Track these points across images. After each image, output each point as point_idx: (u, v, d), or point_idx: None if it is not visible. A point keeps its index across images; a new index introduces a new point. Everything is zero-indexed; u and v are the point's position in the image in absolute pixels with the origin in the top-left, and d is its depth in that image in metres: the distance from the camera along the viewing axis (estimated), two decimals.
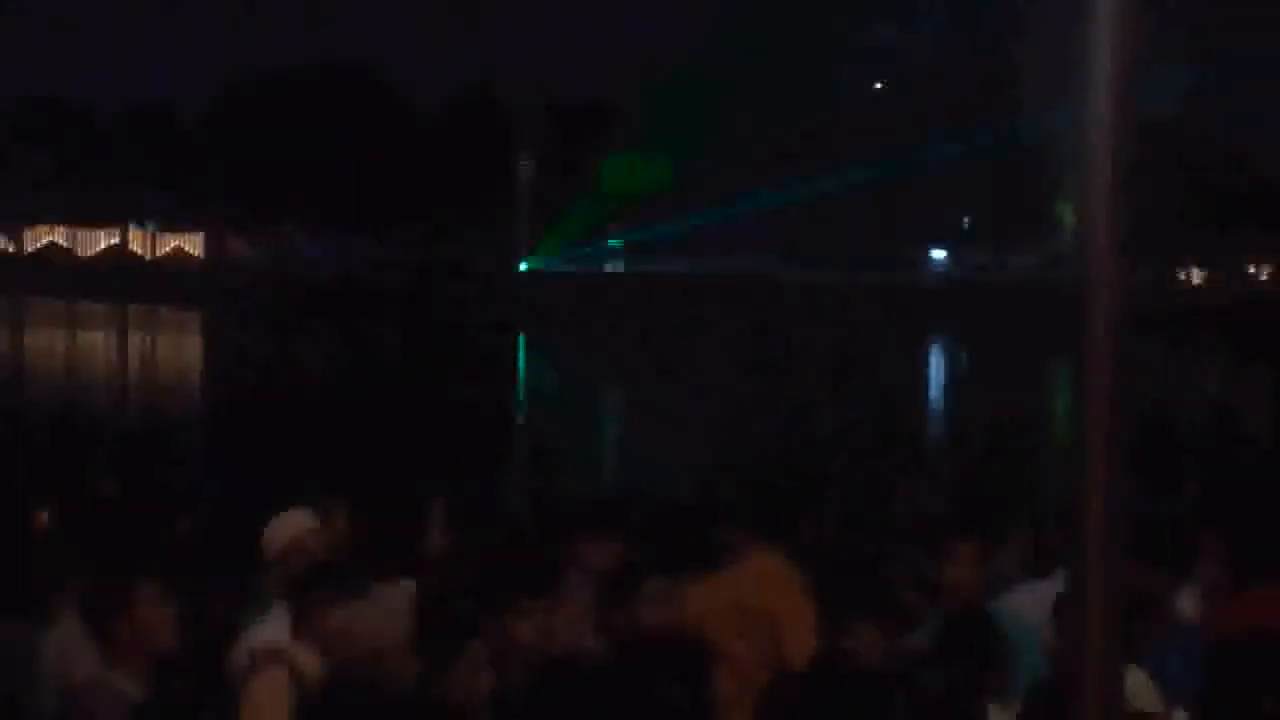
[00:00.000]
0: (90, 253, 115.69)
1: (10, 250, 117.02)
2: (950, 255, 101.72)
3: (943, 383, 65.72)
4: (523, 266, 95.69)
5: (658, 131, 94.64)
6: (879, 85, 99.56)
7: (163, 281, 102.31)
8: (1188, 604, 7.67)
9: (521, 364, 68.29)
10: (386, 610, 7.44)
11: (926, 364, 69.90)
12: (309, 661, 6.85)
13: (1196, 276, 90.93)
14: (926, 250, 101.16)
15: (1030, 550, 8.84)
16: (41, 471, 10.61)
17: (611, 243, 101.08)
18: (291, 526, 8.31)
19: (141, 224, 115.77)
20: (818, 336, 63.30)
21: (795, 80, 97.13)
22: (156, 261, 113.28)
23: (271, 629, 7.05)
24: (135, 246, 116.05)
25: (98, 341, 76.66)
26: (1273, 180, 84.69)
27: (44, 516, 9.62)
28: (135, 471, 17.78)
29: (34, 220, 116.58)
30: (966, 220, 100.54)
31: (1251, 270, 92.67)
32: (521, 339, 73.55)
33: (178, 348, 75.41)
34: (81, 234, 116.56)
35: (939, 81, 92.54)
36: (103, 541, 8.91)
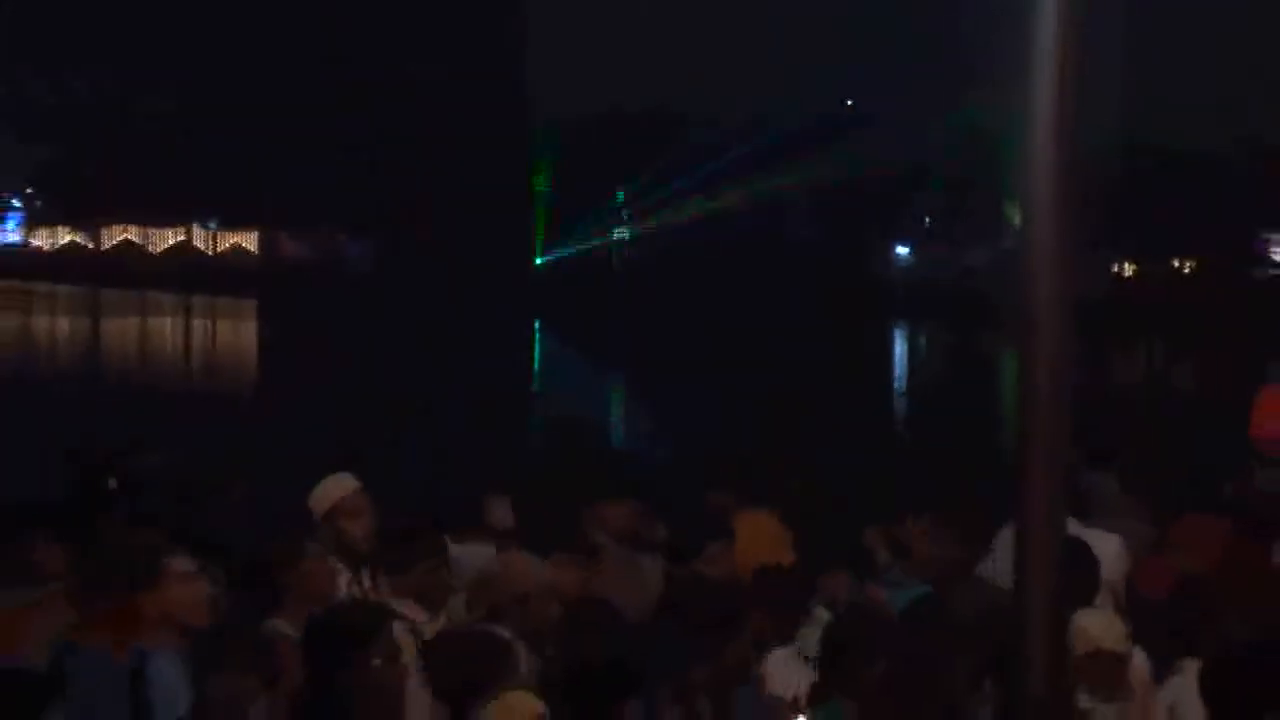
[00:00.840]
0: (159, 249, 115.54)
1: (89, 246, 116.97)
2: (914, 251, 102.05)
3: (904, 359, 65.99)
4: (537, 261, 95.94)
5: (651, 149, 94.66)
6: (849, 103, 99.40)
7: (222, 274, 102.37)
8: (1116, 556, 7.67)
9: (537, 343, 68.31)
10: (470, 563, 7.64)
11: (891, 343, 69.95)
12: (415, 613, 6.92)
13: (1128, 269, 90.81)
14: (893, 246, 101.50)
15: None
16: (112, 440, 10.50)
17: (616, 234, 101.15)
18: (336, 488, 8.17)
19: (205, 223, 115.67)
20: (794, 325, 63.21)
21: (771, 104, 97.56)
22: (217, 257, 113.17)
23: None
24: (199, 243, 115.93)
25: (165, 326, 76.57)
26: (1192, 186, 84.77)
27: (112, 481, 9.61)
28: (197, 439, 17.73)
29: (110, 220, 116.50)
30: (927, 219, 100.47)
31: (1175, 264, 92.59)
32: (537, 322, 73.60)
33: (235, 332, 75.31)
34: (152, 232, 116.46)
35: (904, 102, 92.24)
36: (158, 507, 8.88)
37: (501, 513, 8.37)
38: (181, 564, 6.60)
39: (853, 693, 5.79)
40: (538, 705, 5.17)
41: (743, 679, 6.30)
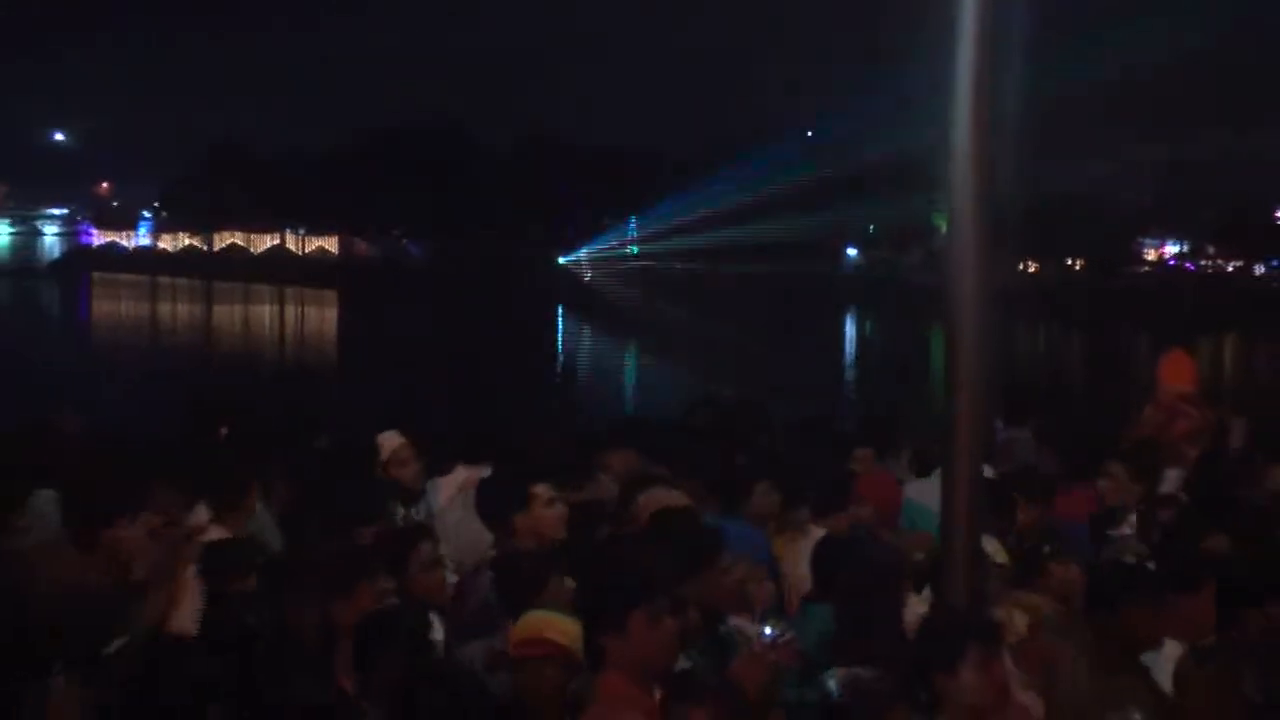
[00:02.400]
0: (259, 250, 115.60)
1: (203, 248, 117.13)
2: (860, 252, 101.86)
3: (854, 340, 65.98)
4: (561, 260, 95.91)
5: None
6: (810, 135, 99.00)
7: (309, 270, 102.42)
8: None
9: (560, 322, 68.33)
10: None
11: (844, 327, 69.86)
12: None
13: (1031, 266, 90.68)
14: (844, 248, 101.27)
15: (914, 457, 8.78)
16: (224, 398, 10.45)
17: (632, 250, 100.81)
18: (389, 443, 8.15)
19: (296, 230, 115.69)
20: (769, 308, 63.12)
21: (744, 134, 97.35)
22: (305, 256, 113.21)
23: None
24: (290, 246, 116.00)
25: (264, 312, 76.64)
26: (1080, 202, 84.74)
27: (224, 431, 9.56)
28: (289, 399, 17.65)
29: (218, 228, 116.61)
30: (872, 227, 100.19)
31: (1069, 263, 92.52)
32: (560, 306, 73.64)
33: (319, 318, 75.31)
34: (253, 237, 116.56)
35: (855, 131, 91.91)
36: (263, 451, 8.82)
37: (622, 459, 8.16)
38: None
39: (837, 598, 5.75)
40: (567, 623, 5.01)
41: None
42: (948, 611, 5.06)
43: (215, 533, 6.52)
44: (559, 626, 4.85)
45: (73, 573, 5.95)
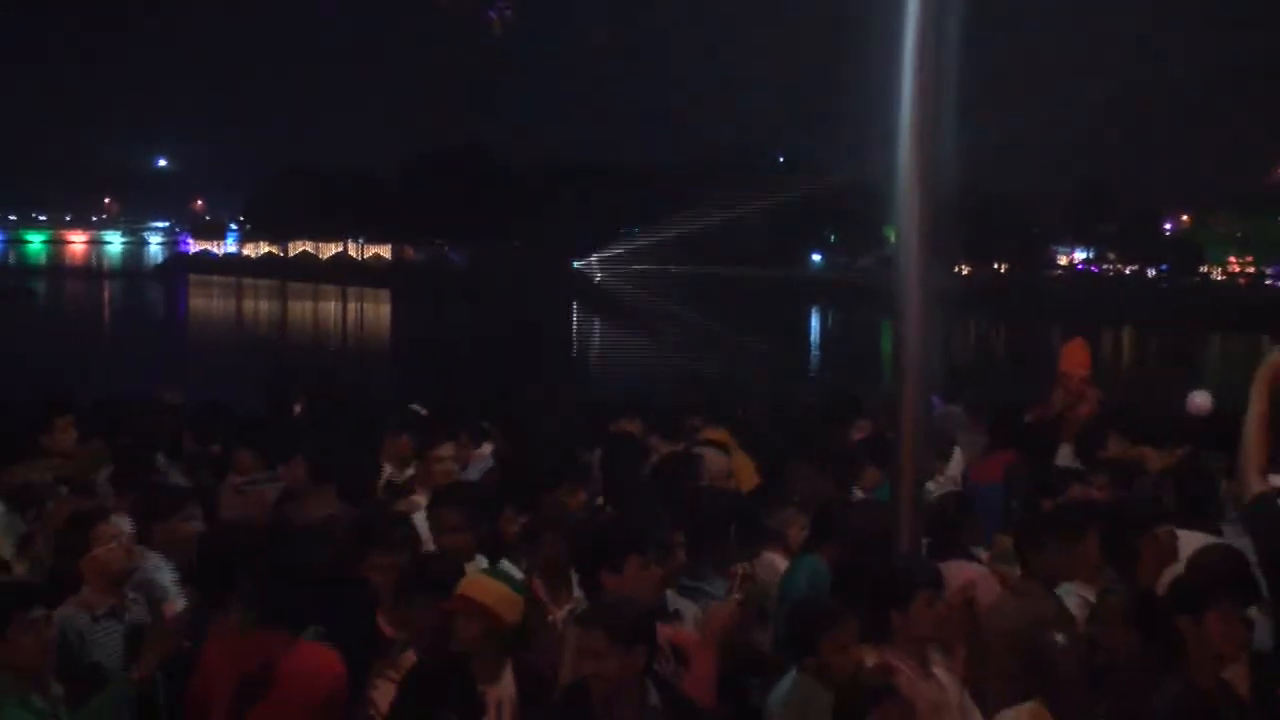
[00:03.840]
0: (326, 256, 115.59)
1: (280, 254, 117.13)
2: (823, 258, 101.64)
3: (818, 332, 65.87)
4: (575, 264, 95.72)
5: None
6: (781, 160, 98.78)
7: (366, 273, 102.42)
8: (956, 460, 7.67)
9: (574, 317, 68.29)
10: None
11: (809, 320, 69.73)
12: None
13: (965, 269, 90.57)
14: (809, 254, 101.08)
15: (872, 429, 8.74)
16: (297, 378, 10.45)
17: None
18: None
19: (356, 239, 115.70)
20: (745, 303, 62.96)
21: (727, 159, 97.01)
22: (364, 262, 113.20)
23: None
24: (351, 252, 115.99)
25: (330, 308, 76.61)
26: (1006, 214, 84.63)
27: (298, 406, 9.54)
28: (351, 379, 17.65)
29: (292, 237, 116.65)
30: (833, 236, 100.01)
31: (995, 266, 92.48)
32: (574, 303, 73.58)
33: (376, 312, 75.28)
34: (321, 245, 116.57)
35: (818, 156, 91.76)
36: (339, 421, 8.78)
37: (630, 426, 8.02)
38: None
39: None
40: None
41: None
42: (904, 560, 5.09)
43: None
44: (488, 588, 4.52)
45: None
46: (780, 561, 5.73)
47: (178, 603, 5.31)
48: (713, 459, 6.83)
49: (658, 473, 6.77)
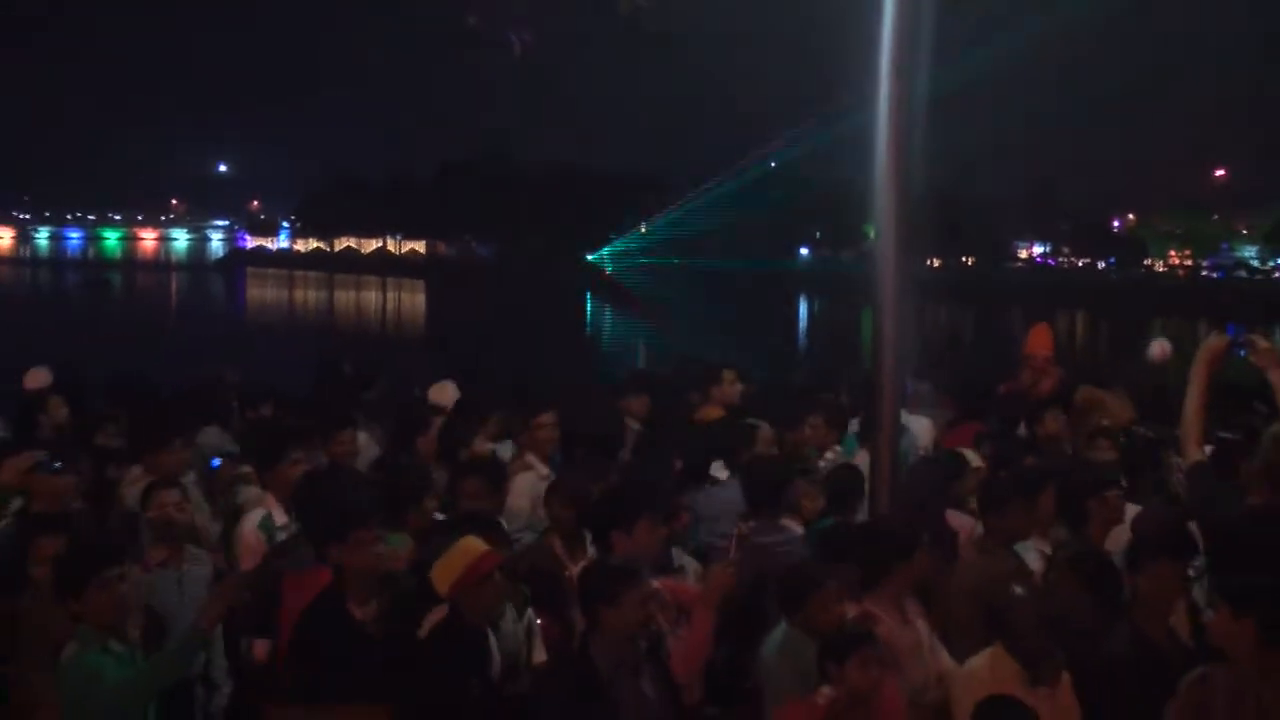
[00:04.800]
0: (367, 251, 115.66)
1: (326, 249, 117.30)
2: (810, 252, 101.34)
3: (804, 317, 65.81)
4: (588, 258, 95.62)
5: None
6: (773, 165, 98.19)
7: (403, 265, 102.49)
8: (927, 429, 7.63)
9: (588, 305, 68.32)
10: None
11: (798, 307, 69.68)
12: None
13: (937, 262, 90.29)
14: (798, 249, 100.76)
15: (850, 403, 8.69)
16: (344, 358, 10.39)
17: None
18: (443, 393, 7.87)
19: (394, 236, 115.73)
20: (741, 292, 62.89)
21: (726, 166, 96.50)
22: (400, 255, 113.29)
23: None
24: (390, 247, 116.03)
25: (371, 297, 76.65)
26: (971, 212, 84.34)
27: (347, 367, 9.53)
28: (386, 361, 17.61)
29: (339, 234, 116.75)
30: (819, 233, 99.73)
31: (963, 259, 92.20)
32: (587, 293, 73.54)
33: (412, 301, 75.34)
34: (363, 241, 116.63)
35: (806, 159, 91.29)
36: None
37: (639, 403, 7.80)
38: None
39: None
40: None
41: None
42: (904, 515, 5.13)
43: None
44: (466, 546, 4.37)
45: None
46: (795, 528, 5.70)
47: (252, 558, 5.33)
48: (764, 430, 6.72)
49: (714, 438, 6.67)
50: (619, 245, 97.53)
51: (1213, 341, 5.35)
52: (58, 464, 5.60)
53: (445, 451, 6.43)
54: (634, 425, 7.33)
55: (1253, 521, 4.82)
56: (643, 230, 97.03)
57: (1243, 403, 6.54)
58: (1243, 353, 5.30)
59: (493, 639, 4.36)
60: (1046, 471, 5.74)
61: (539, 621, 4.64)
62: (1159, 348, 6.93)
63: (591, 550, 5.16)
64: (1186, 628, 4.70)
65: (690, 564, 5.18)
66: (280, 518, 5.45)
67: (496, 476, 5.69)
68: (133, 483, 5.94)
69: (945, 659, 4.66)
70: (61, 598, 4.32)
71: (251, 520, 5.48)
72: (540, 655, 4.56)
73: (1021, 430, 7.28)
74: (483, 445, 6.65)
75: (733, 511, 5.67)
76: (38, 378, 8.15)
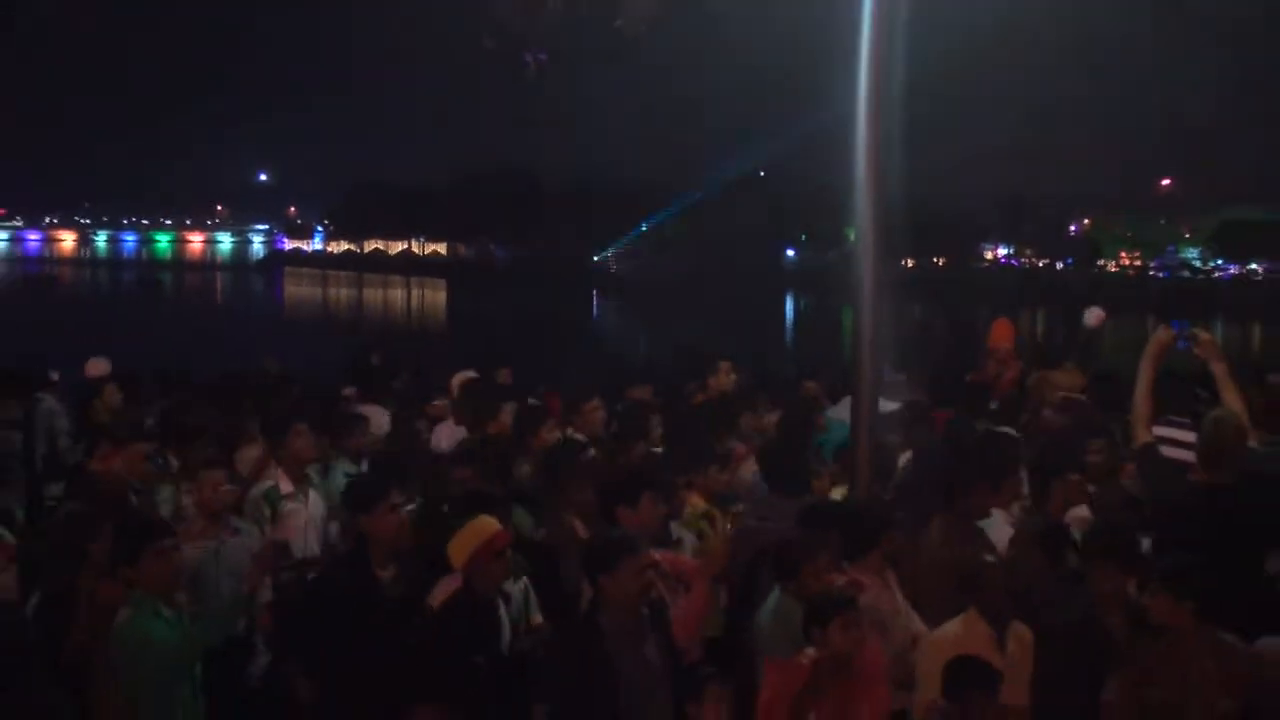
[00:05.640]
0: (394, 252, 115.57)
1: (356, 251, 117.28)
2: (796, 254, 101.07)
3: (792, 311, 65.72)
4: (595, 258, 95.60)
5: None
6: (762, 173, 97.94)
7: (426, 265, 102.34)
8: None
9: (594, 301, 68.26)
10: None
11: (785, 303, 69.57)
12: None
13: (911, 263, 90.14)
14: (784, 250, 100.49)
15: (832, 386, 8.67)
16: (373, 350, 10.39)
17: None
18: (465, 377, 7.89)
19: (418, 239, 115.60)
20: (734, 288, 62.75)
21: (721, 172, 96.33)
22: (424, 256, 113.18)
23: None
24: (415, 249, 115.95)
25: (397, 294, 76.62)
26: (939, 219, 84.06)
27: (375, 358, 9.50)
28: (410, 350, 17.59)
29: (368, 236, 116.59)
30: (803, 235, 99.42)
31: (934, 259, 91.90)
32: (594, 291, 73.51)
33: (434, 298, 75.28)
34: (389, 243, 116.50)
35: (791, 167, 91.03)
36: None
37: (641, 390, 7.85)
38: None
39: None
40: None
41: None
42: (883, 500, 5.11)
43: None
44: (476, 525, 4.39)
45: None
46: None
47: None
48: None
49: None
50: (623, 247, 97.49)
51: (1160, 335, 5.35)
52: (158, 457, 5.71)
53: (518, 437, 6.50)
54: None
55: (1195, 498, 4.85)
56: (643, 233, 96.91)
57: (1188, 390, 6.53)
58: (1185, 344, 5.34)
59: (503, 609, 4.36)
60: (1011, 457, 5.73)
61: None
62: (1094, 315, 6.91)
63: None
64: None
65: (687, 537, 5.17)
66: (286, 488, 5.53)
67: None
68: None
69: (919, 623, 4.65)
70: (117, 567, 4.33)
71: (258, 490, 5.53)
72: (537, 617, 4.58)
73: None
74: (551, 432, 6.62)
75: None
76: (97, 367, 8.19)
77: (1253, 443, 5.00)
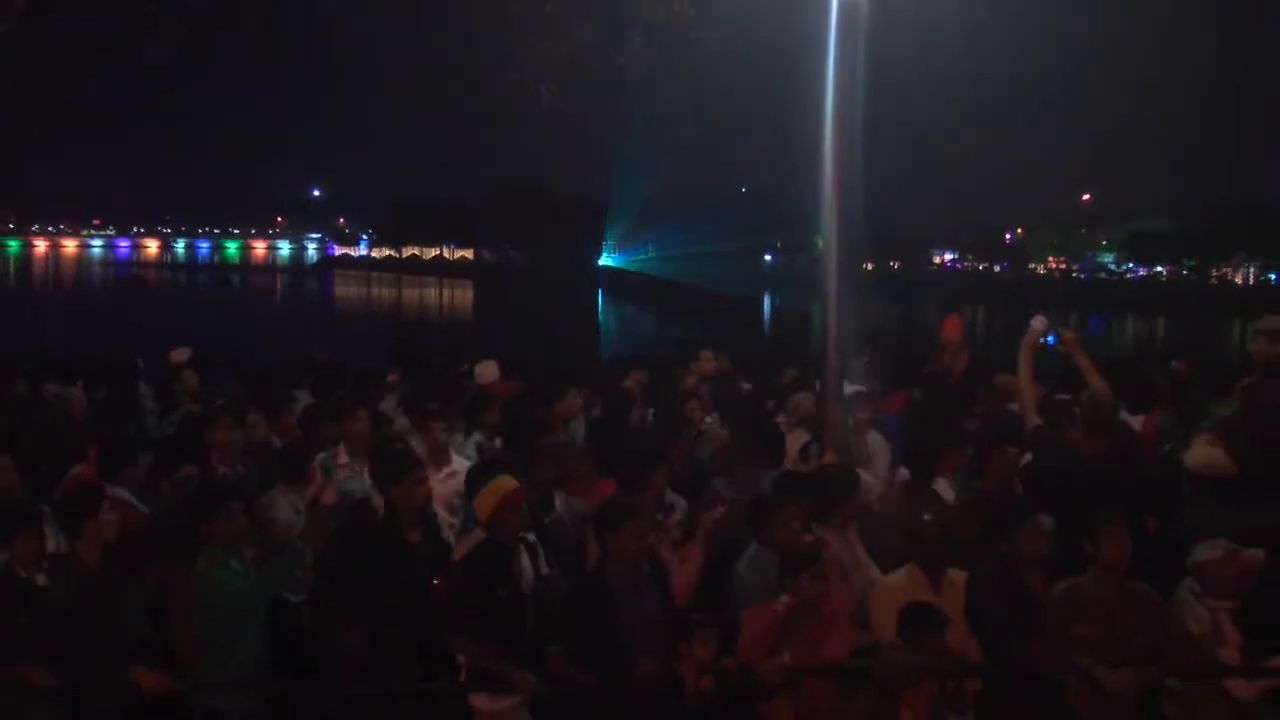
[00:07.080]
0: (428, 257, 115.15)
1: (396, 256, 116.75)
2: (772, 258, 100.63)
3: (771, 306, 65.50)
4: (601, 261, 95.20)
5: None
6: (744, 191, 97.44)
7: (456, 268, 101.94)
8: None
9: (599, 299, 67.98)
10: None
11: (764, 300, 69.38)
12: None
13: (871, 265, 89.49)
14: (763, 256, 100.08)
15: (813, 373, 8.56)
16: (410, 340, 10.29)
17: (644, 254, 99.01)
18: (488, 370, 7.64)
19: (448, 245, 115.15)
20: (718, 289, 62.50)
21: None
22: (454, 261, 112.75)
23: None
24: (446, 254, 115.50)
25: (430, 293, 76.37)
26: (899, 228, 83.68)
27: (396, 374, 8.14)
28: (441, 343, 17.47)
29: (406, 244, 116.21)
30: (779, 243, 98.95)
31: (890, 263, 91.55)
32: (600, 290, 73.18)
33: (463, 296, 75.06)
34: (424, 249, 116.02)
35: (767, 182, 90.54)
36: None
37: (637, 377, 7.58)
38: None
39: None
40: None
41: None
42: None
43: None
44: (497, 484, 4.29)
45: None
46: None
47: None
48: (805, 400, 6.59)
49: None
50: (624, 255, 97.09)
51: (1035, 325, 5.49)
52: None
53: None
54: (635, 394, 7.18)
55: (1079, 468, 4.92)
56: (644, 240, 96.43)
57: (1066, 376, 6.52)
58: (1052, 339, 5.46)
59: (526, 557, 4.33)
60: (959, 433, 5.74)
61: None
62: (1039, 322, 6.90)
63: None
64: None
65: (679, 502, 5.15)
66: (342, 458, 5.49)
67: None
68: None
69: (876, 572, 4.66)
70: (194, 522, 4.34)
71: (317, 459, 5.44)
72: (545, 567, 4.55)
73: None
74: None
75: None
76: (180, 354, 8.15)
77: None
